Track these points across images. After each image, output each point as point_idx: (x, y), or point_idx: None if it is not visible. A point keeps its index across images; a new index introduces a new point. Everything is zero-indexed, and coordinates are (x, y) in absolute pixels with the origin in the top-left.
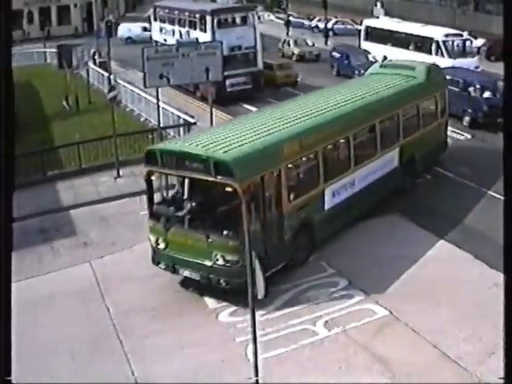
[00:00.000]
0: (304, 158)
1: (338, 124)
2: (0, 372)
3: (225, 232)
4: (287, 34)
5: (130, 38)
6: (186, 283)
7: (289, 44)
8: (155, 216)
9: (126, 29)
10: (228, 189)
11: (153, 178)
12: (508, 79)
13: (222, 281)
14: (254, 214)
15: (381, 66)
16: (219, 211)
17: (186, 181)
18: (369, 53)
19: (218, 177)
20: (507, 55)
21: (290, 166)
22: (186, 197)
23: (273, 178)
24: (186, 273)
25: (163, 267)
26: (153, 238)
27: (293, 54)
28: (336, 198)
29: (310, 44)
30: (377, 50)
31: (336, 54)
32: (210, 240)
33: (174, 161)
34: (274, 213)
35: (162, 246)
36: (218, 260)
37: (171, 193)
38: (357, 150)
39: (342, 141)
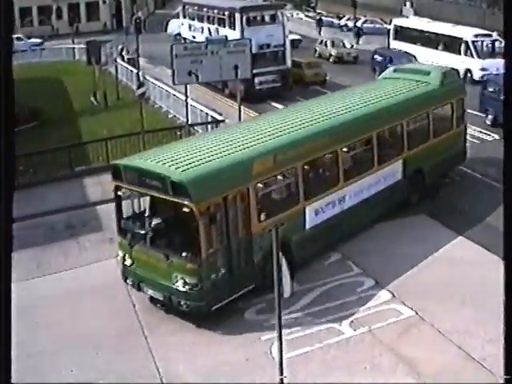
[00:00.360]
0: (280, 175)
1: (322, 137)
2: (0, 372)
3: (184, 253)
4: (319, 33)
5: (179, 34)
6: (153, 300)
7: (326, 45)
8: (123, 231)
9: (176, 25)
10: (185, 209)
11: (120, 193)
12: (508, 78)
13: (182, 303)
14: (217, 235)
15: (394, 71)
16: (180, 231)
17: (148, 198)
18: (411, 55)
19: (175, 196)
20: (508, 54)
21: (261, 183)
22: (148, 214)
23: (239, 198)
24: (150, 292)
25: (130, 284)
26: (120, 254)
27: (330, 55)
28: (320, 215)
29: (348, 45)
30: (406, 50)
31: (378, 57)
32: (169, 260)
33: (136, 177)
34: (242, 233)
35: (128, 262)
36: (177, 281)
37: (142, 208)
38: (348, 164)
39: (329, 155)
